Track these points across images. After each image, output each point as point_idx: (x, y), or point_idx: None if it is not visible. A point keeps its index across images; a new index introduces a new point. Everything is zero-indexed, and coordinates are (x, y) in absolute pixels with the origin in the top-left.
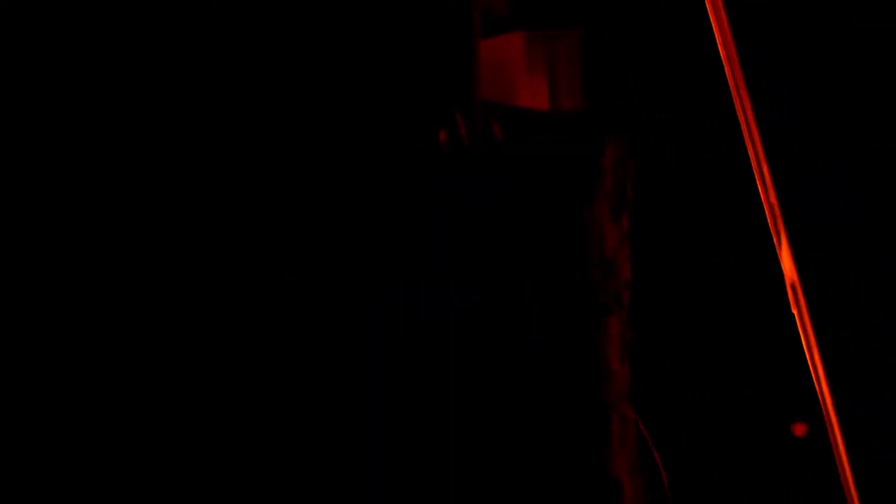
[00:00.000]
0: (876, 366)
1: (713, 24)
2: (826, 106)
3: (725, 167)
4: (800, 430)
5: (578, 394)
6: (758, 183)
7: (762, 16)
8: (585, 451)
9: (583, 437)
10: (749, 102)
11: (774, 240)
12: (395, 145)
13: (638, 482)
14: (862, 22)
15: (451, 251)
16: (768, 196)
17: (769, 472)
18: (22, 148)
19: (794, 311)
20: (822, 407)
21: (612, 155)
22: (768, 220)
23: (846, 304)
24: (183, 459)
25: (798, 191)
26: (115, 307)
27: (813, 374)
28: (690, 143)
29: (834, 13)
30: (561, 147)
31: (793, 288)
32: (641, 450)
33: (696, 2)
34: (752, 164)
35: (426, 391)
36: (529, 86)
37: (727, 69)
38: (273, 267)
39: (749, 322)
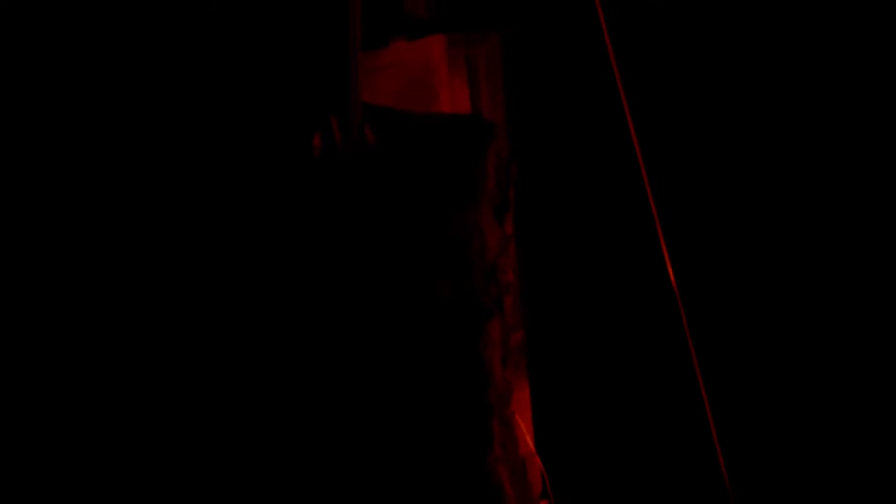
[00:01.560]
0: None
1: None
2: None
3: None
4: None
5: (460, 397)
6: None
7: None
8: (467, 454)
9: (464, 440)
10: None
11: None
12: (270, 147)
13: (519, 484)
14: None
15: (325, 253)
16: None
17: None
18: None
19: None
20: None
21: (494, 158)
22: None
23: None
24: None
25: (676, 203)
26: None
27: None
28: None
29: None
30: (443, 150)
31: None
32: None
33: None
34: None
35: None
36: (450, 88)
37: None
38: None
39: None
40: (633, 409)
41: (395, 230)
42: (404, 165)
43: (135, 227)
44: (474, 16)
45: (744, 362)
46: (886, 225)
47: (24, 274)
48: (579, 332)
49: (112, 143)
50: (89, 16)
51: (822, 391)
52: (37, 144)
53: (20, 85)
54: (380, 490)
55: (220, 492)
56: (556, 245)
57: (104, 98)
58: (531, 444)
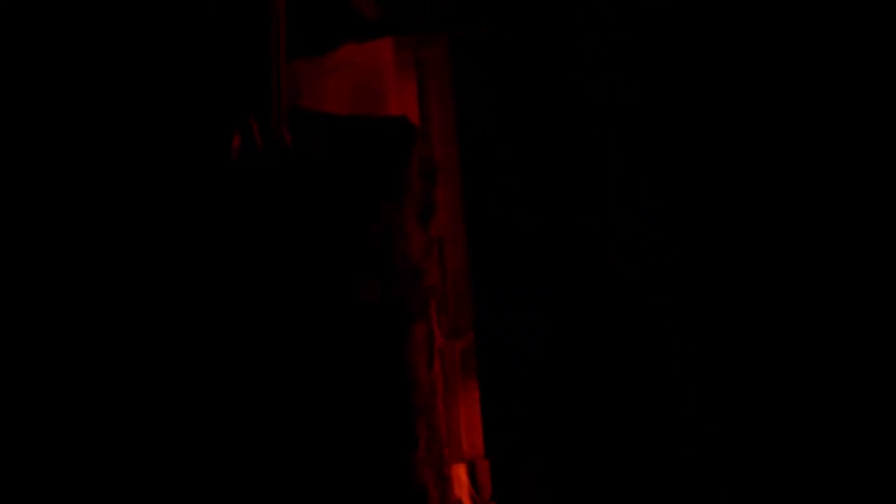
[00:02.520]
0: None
1: None
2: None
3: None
4: None
5: (385, 400)
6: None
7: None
8: (392, 457)
9: (389, 442)
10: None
11: None
12: (190, 150)
13: (444, 488)
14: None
15: (245, 256)
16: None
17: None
18: None
19: None
20: None
21: (418, 161)
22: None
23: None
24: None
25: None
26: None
27: None
28: None
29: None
30: (366, 152)
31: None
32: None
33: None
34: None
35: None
36: (398, 90)
37: None
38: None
39: None
40: (585, 411)
41: (318, 233)
42: (327, 168)
43: (42, 230)
44: (423, 18)
45: (724, 361)
46: (871, 225)
47: None
48: (530, 335)
49: (23, 144)
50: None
51: (796, 393)
52: None
53: None
54: (304, 490)
55: (138, 492)
56: (509, 247)
57: (17, 98)
58: (480, 447)
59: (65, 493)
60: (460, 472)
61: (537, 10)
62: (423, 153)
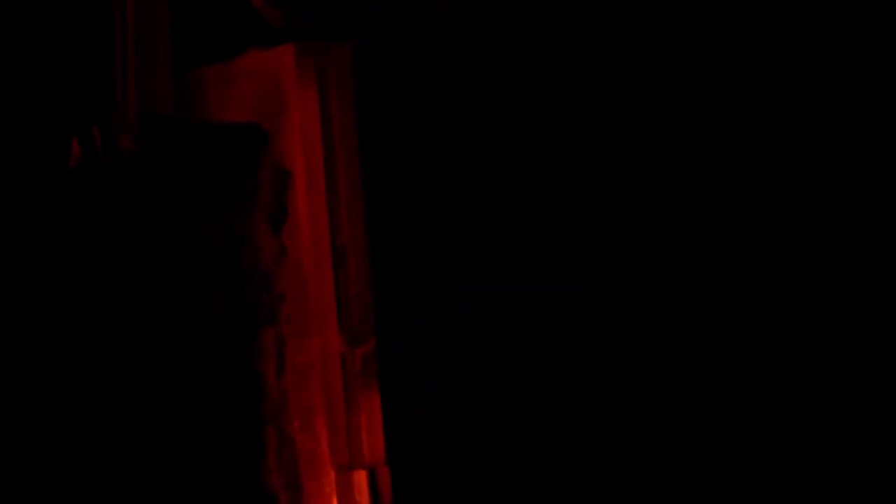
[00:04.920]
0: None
1: None
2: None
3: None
4: None
5: (234, 407)
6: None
7: None
8: (240, 464)
9: (238, 450)
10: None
11: None
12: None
13: (295, 495)
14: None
15: (83, 264)
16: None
17: None
18: None
19: None
20: None
21: (269, 168)
22: None
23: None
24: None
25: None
26: None
27: None
28: None
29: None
30: (215, 157)
31: None
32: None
33: None
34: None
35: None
36: (300, 97)
37: None
38: None
39: None
40: (573, 412)
41: (160, 238)
42: (173, 173)
43: None
44: (325, 25)
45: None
46: (865, 228)
47: None
48: (517, 336)
49: None
50: None
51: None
52: None
53: None
54: (149, 497)
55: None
56: (503, 247)
57: None
58: (381, 453)
59: None
60: (361, 479)
61: (533, 9)
62: (275, 161)
